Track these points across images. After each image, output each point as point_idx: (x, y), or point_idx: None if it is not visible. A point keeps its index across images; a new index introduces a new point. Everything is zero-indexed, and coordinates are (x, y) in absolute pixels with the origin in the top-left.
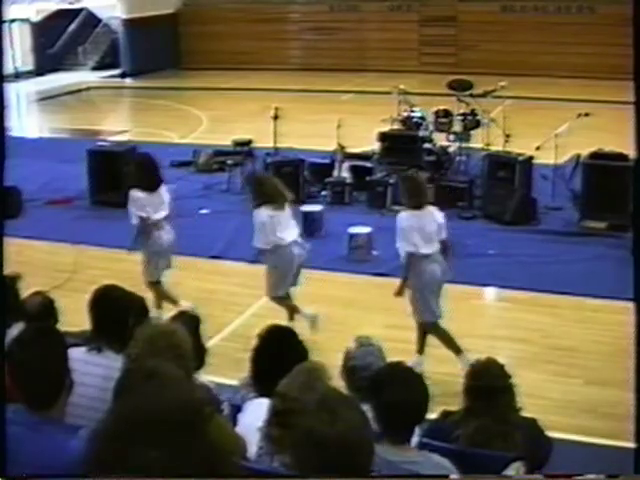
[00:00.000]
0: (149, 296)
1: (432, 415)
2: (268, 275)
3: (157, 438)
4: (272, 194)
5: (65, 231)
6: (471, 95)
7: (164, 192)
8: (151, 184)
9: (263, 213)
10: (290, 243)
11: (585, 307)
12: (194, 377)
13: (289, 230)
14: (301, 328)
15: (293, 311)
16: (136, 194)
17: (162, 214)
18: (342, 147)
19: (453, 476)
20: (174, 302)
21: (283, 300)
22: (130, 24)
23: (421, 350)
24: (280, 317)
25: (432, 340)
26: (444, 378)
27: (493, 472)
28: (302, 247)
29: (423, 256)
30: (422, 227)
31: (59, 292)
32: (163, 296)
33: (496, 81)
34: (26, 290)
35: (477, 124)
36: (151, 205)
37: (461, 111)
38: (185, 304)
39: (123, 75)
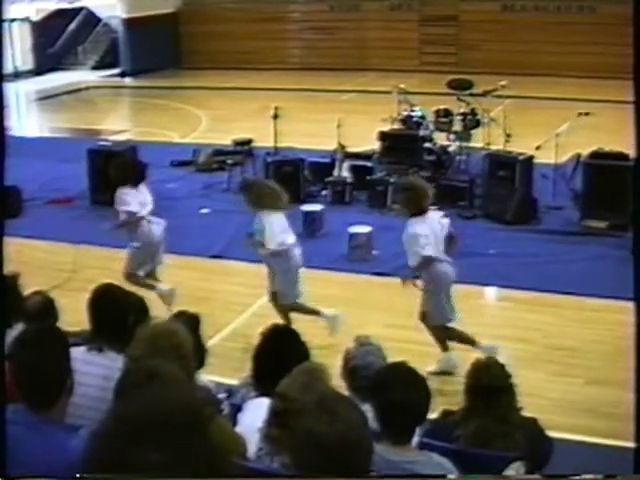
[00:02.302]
0: (149, 296)
1: (432, 415)
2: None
3: (158, 439)
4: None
5: (65, 231)
6: (471, 94)
7: (145, 188)
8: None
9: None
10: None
11: (585, 307)
12: (195, 377)
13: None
14: (303, 328)
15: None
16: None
17: (148, 208)
18: (342, 146)
19: (453, 476)
20: (152, 287)
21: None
22: (130, 23)
23: (445, 347)
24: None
25: (431, 339)
26: (444, 377)
27: (493, 472)
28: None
29: (436, 259)
30: (431, 230)
31: (59, 292)
32: (143, 285)
33: (496, 80)
34: (26, 290)
35: (477, 123)
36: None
37: (461, 110)
38: (163, 286)
39: (123, 74)
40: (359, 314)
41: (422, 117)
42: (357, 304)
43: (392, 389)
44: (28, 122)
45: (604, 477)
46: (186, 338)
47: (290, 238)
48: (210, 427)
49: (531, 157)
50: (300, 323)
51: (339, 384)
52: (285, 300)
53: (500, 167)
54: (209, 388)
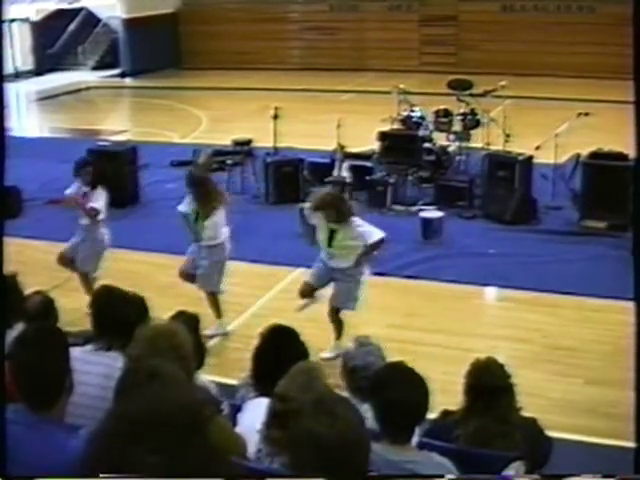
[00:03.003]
0: (149, 295)
1: (432, 415)
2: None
3: (158, 439)
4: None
5: (65, 231)
6: (471, 95)
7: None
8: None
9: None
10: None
11: (585, 307)
12: (195, 378)
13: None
14: (302, 327)
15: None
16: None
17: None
18: (342, 147)
19: (453, 476)
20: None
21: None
22: (130, 24)
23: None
24: (281, 317)
25: (433, 340)
26: (444, 377)
27: (493, 472)
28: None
29: None
30: None
31: (59, 292)
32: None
33: (496, 81)
34: (26, 290)
35: (477, 124)
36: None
37: (461, 111)
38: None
39: (123, 75)
40: (359, 314)
41: (422, 117)
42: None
43: (391, 389)
44: (28, 122)
45: (603, 477)
46: (186, 338)
47: (225, 232)
48: (210, 427)
49: (530, 157)
50: (298, 323)
51: (338, 383)
52: (208, 286)
53: (500, 167)
54: (209, 388)
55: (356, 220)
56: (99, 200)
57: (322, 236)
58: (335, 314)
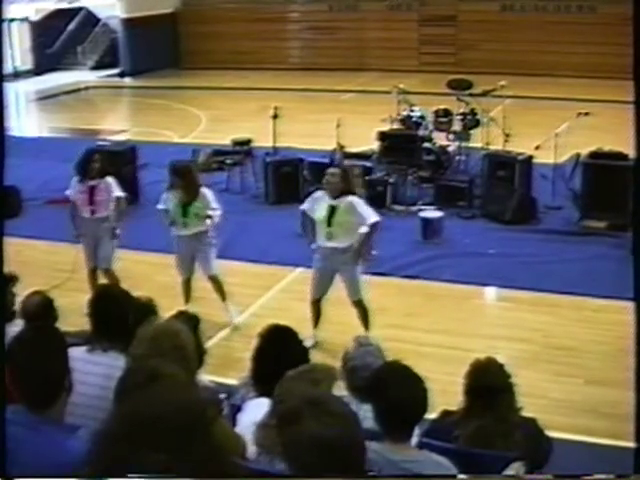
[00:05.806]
0: (149, 295)
1: (432, 415)
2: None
3: (160, 440)
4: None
5: (65, 231)
6: (471, 94)
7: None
8: None
9: None
10: None
11: (585, 307)
12: (196, 378)
13: None
14: (301, 327)
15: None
16: None
17: None
18: (341, 146)
19: (464, 476)
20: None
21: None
22: (129, 23)
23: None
24: (280, 317)
25: (433, 340)
26: (444, 378)
27: (493, 472)
28: None
29: None
30: None
31: (58, 292)
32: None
33: (496, 80)
34: (25, 290)
35: (477, 123)
36: None
37: (461, 110)
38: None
39: (122, 74)
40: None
41: (421, 117)
42: None
43: (388, 388)
44: (27, 122)
45: (616, 477)
46: (189, 339)
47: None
48: (212, 428)
49: (530, 157)
50: (298, 323)
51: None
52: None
53: (499, 167)
54: (211, 389)
55: (355, 199)
56: (115, 187)
57: (322, 215)
58: (359, 306)
